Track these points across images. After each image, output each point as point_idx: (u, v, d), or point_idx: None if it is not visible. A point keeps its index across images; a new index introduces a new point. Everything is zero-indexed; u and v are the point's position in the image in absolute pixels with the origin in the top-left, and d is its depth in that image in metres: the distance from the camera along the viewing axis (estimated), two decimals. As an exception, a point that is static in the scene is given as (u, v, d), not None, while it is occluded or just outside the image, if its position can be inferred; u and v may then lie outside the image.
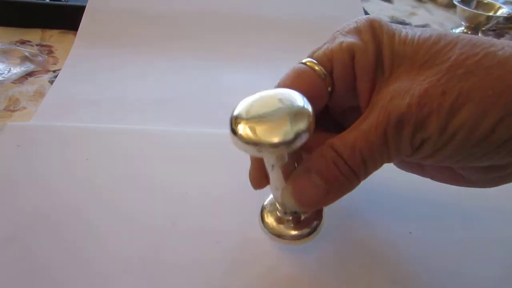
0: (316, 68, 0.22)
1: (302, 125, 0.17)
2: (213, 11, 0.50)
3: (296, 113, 0.17)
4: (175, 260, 0.24)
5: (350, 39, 0.21)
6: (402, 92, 0.19)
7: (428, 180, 0.25)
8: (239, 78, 0.43)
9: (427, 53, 0.19)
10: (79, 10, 0.47)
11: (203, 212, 0.27)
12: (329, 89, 0.22)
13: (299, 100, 0.18)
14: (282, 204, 0.23)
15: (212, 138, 0.33)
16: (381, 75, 0.21)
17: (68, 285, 0.23)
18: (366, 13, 0.54)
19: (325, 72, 0.22)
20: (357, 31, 0.22)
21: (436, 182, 0.25)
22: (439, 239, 0.27)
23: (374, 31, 0.21)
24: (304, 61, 0.22)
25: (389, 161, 0.20)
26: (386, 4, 0.68)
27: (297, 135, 0.17)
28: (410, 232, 0.27)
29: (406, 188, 0.30)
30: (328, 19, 0.52)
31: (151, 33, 0.47)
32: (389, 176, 0.26)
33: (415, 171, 0.25)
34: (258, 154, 0.17)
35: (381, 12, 0.65)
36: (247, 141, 0.17)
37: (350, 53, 0.21)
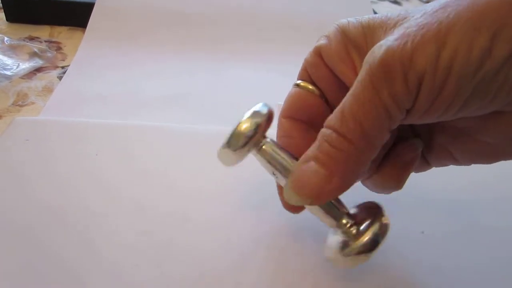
0: (310, 86, 0.22)
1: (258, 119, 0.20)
2: (221, 9, 0.50)
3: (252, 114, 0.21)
4: (187, 254, 0.24)
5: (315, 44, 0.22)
6: (378, 45, 0.18)
7: (440, 180, 0.24)
8: (248, 75, 0.43)
9: (398, 16, 0.19)
10: (88, 7, 0.47)
11: (213, 207, 0.27)
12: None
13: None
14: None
15: (222, 134, 0.33)
16: (358, 56, 0.20)
17: (80, 278, 0.22)
18: (375, 13, 0.53)
19: (314, 88, 0.23)
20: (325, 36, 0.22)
21: (448, 181, 0.24)
22: (451, 239, 0.27)
23: (339, 27, 0.21)
24: (298, 83, 0.23)
25: (391, 120, 0.18)
26: (395, 6, 0.68)
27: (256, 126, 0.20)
28: (423, 232, 0.27)
29: (419, 188, 0.29)
30: (335, 20, 0.51)
31: (159, 30, 0.47)
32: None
33: (447, 160, 0.22)
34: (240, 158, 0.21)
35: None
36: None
37: (317, 53, 0.22)
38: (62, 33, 0.48)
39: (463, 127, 0.20)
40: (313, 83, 0.23)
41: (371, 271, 0.24)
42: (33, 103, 0.36)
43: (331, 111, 0.19)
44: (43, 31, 0.48)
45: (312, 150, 0.19)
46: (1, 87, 0.38)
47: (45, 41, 0.46)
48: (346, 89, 0.19)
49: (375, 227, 0.19)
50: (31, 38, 0.46)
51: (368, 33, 0.20)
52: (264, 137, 0.21)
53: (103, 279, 0.22)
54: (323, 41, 0.22)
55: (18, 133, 0.31)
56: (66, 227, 0.25)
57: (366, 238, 0.19)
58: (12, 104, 0.36)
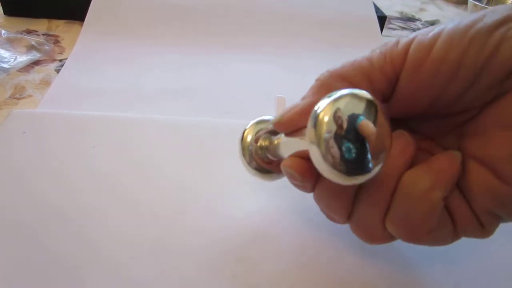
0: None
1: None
2: (221, 2, 0.49)
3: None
4: (184, 247, 0.24)
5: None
6: None
7: None
8: (247, 68, 0.42)
9: None
10: (86, 1, 0.47)
11: (211, 200, 0.27)
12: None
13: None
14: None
15: (220, 127, 0.33)
16: None
17: (77, 270, 0.22)
18: (376, 8, 0.53)
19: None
20: None
21: None
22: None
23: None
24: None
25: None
26: (395, -1, 0.68)
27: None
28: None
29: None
30: (338, 13, 0.51)
31: (157, 23, 0.47)
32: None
33: None
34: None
35: (391, 8, 0.64)
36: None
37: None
38: (59, 27, 0.47)
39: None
40: None
41: (372, 270, 0.24)
42: (30, 96, 0.36)
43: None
44: (41, 25, 0.47)
45: None
46: (-2, 80, 0.37)
47: (43, 35, 0.45)
48: None
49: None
50: (29, 32, 0.46)
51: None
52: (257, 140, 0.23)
53: (100, 271, 0.22)
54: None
55: (15, 126, 0.31)
56: (63, 220, 0.25)
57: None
58: (10, 97, 0.36)
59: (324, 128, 0.15)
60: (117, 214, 0.25)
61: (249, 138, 0.23)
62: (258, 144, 0.23)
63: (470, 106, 0.19)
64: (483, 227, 0.19)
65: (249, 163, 0.23)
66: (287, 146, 0.20)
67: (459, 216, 0.19)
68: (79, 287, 0.21)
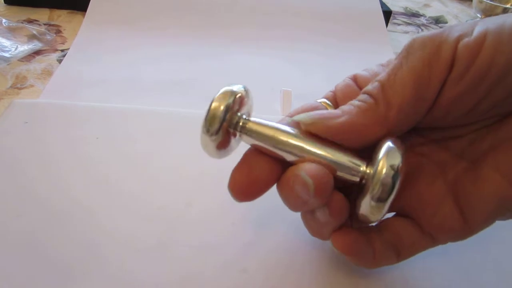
0: (328, 108, 0.22)
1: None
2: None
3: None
4: (190, 241, 0.23)
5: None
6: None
7: None
8: (252, 61, 0.42)
9: None
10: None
11: (217, 194, 0.26)
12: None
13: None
14: None
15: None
16: None
17: (82, 266, 0.22)
18: (381, 2, 0.52)
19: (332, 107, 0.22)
20: None
21: None
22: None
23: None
24: (319, 100, 0.22)
25: (417, 92, 0.18)
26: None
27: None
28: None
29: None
30: (342, 8, 0.50)
31: (160, 14, 0.46)
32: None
33: None
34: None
35: (396, 3, 0.63)
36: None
37: (352, 78, 0.22)
38: (61, 17, 0.47)
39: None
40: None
41: (374, 270, 0.24)
42: (32, 85, 0.36)
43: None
44: (42, 14, 0.47)
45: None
46: (-1, 69, 0.37)
47: (44, 24, 0.45)
48: None
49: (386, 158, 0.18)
50: (30, 21, 0.45)
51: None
52: (241, 116, 0.19)
53: (101, 266, 0.22)
54: (361, 72, 0.22)
55: (16, 116, 0.30)
56: (64, 212, 0.24)
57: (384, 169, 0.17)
58: (11, 86, 0.35)
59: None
60: (120, 206, 0.25)
61: (221, 108, 0.18)
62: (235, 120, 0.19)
63: (496, 114, 0.18)
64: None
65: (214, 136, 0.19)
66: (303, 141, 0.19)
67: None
68: (78, 279, 0.21)
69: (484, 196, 0.18)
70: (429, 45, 0.17)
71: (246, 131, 0.19)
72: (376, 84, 0.18)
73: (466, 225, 0.19)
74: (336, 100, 0.22)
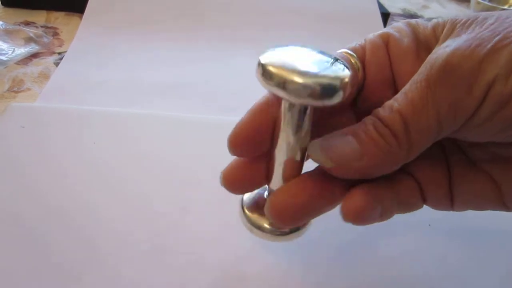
0: (352, 61, 0.20)
1: (338, 79, 0.15)
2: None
3: (334, 68, 0.16)
4: (186, 245, 0.23)
5: (383, 31, 0.20)
6: (444, 45, 0.16)
7: None
8: (252, 63, 0.42)
9: (467, 20, 0.17)
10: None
11: (213, 197, 0.26)
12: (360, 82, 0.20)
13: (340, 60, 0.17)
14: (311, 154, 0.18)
15: (223, 124, 0.32)
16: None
17: (77, 269, 0.22)
18: (379, 4, 0.52)
19: (359, 66, 0.20)
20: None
21: None
22: (456, 232, 0.26)
23: (409, 25, 0.20)
24: (340, 51, 0.20)
25: (441, 130, 0.16)
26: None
27: (334, 86, 0.15)
28: (429, 225, 0.26)
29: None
30: (341, 8, 0.50)
31: (158, 17, 0.46)
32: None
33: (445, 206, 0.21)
34: (281, 93, 0.15)
35: (393, 5, 0.63)
36: (274, 75, 0.15)
37: (384, 39, 0.20)
38: (58, 19, 0.47)
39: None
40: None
41: (377, 263, 0.24)
42: (29, 89, 0.35)
43: (361, 98, 0.19)
44: (39, 16, 0.46)
45: (352, 127, 0.17)
46: (-4, 73, 0.37)
47: (41, 27, 0.45)
48: (390, 88, 0.19)
49: None
50: (27, 23, 0.45)
51: (440, 37, 0.18)
52: None
53: (98, 268, 0.22)
54: (394, 32, 0.20)
55: (13, 120, 0.30)
56: (62, 216, 0.24)
57: None
58: (8, 90, 0.35)
59: None
60: (117, 210, 0.25)
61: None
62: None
63: None
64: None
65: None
66: None
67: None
68: (77, 283, 0.21)
69: (471, 197, 0.19)
70: (460, 84, 0.16)
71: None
72: (398, 119, 0.17)
73: (451, 208, 0.20)
74: (364, 56, 0.20)
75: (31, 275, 0.21)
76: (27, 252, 0.22)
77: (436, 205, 0.20)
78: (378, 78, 0.20)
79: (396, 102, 0.17)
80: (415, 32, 0.19)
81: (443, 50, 0.16)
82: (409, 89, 0.17)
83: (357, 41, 0.20)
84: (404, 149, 0.17)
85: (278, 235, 0.20)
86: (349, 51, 0.20)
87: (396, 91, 0.18)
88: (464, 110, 0.16)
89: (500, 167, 0.19)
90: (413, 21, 0.20)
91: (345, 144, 0.17)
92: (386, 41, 0.20)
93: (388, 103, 0.17)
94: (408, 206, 0.20)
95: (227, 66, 0.41)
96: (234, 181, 0.20)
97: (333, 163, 0.17)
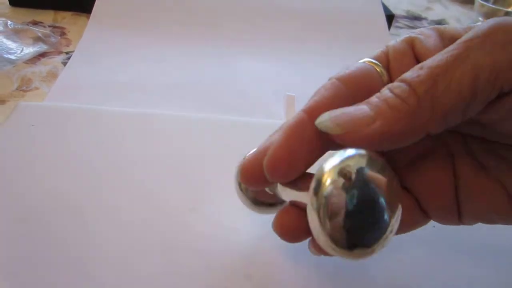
0: (377, 69, 0.19)
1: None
2: (229, -2, 0.49)
3: None
4: (194, 246, 0.24)
5: (406, 36, 0.20)
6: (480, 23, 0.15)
7: None
8: (256, 65, 0.42)
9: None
10: (93, -7, 0.47)
11: (221, 199, 0.27)
12: None
13: None
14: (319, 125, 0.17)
15: (229, 124, 0.33)
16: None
17: (84, 267, 0.22)
18: (384, 6, 0.53)
19: (385, 73, 0.19)
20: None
21: None
22: (461, 233, 0.26)
23: (436, 29, 0.19)
24: (363, 60, 0.19)
25: (473, 99, 0.15)
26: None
27: None
28: (434, 226, 0.26)
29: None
30: (345, 10, 0.51)
31: (165, 17, 0.46)
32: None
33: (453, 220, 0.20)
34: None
35: (398, 6, 0.64)
36: None
37: (409, 43, 0.19)
38: (66, 18, 0.47)
39: None
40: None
41: (382, 263, 0.24)
42: (37, 88, 0.36)
43: None
44: (47, 16, 0.47)
45: (367, 100, 0.16)
46: (4, 72, 0.37)
47: (49, 26, 0.45)
48: None
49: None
50: (35, 23, 0.45)
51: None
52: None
53: (107, 266, 0.22)
54: (418, 35, 0.19)
55: (23, 118, 0.31)
56: (71, 213, 0.24)
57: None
58: (16, 89, 0.35)
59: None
60: (126, 209, 0.25)
61: None
62: None
63: None
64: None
65: (245, 193, 0.22)
66: (284, 192, 0.19)
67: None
68: (85, 281, 0.21)
69: (480, 206, 0.19)
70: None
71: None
72: (423, 73, 0.15)
73: (459, 221, 0.19)
74: (388, 63, 0.19)
75: (40, 271, 0.22)
76: (39, 250, 0.22)
77: (442, 218, 0.20)
78: None
79: (428, 61, 0.15)
80: (439, 32, 0.19)
81: (483, 23, 0.15)
82: (445, 50, 0.15)
83: (379, 49, 0.20)
84: (427, 110, 0.15)
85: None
86: (373, 60, 0.19)
87: None
88: (508, 78, 0.14)
89: None
90: (440, 26, 0.20)
91: (355, 110, 0.16)
92: (411, 45, 0.19)
93: (418, 65, 0.16)
94: (407, 225, 0.19)
95: (231, 67, 0.41)
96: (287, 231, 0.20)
97: (341, 129, 0.16)
